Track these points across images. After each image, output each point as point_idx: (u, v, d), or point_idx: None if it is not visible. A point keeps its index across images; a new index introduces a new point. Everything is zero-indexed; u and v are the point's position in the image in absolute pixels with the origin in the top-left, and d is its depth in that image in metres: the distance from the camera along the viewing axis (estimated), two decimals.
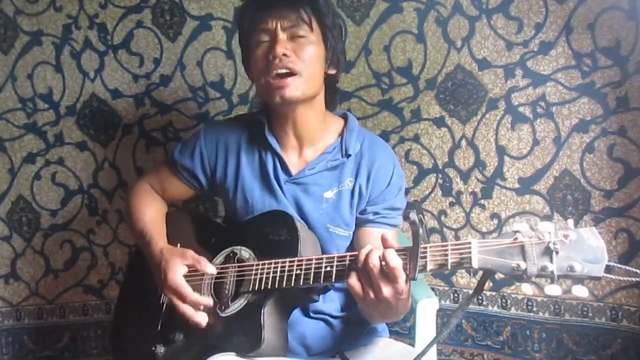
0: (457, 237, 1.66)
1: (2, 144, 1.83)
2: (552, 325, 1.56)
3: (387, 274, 0.93)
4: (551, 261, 0.81)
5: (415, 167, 1.69)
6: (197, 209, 1.74)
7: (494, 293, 1.63)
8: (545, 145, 1.56)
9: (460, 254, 0.89)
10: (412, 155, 1.69)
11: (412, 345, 1.34)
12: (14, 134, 1.83)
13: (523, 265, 0.83)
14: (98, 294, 1.86)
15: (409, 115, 1.69)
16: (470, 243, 0.88)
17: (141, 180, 1.40)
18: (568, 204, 1.53)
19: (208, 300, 1.11)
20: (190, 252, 1.14)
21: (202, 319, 1.09)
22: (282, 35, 1.15)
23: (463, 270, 1.66)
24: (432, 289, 1.59)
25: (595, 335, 1.51)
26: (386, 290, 0.93)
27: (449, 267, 0.90)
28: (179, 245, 1.23)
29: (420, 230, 0.91)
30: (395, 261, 0.92)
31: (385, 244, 0.97)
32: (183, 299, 1.10)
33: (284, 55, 1.13)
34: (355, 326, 1.25)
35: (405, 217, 0.89)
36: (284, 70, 1.14)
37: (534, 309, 1.58)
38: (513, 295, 1.61)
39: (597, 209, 1.50)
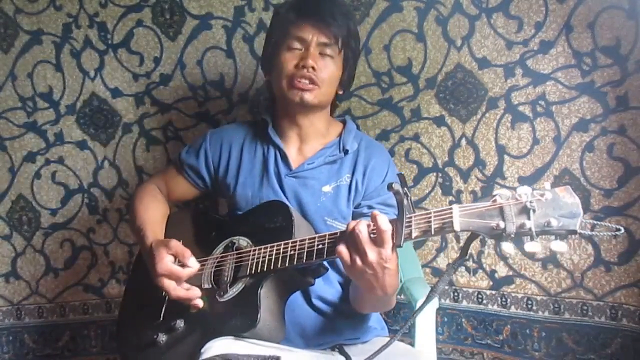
0: (456, 237, 1.66)
1: (2, 143, 1.83)
2: (552, 324, 1.56)
3: (374, 239, 0.95)
4: (529, 218, 0.84)
5: (415, 166, 1.69)
6: (197, 207, 1.74)
7: (493, 292, 1.63)
8: (545, 144, 1.56)
9: (443, 219, 0.92)
10: (412, 155, 1.69)
11: (412, 344, 1.35)
12: (14, 133, 1.83)
13: (502, 224, 0.85)
14: (98, 292, 1.86)
15: (408, 115, 1.69)
16: (452, 208, 0.91)
17: (148, 181, 1.48)
18: None
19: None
20: (174, 242, 1.17)
21: (200, 301, 1.14)
22: (314, 50, 1.26)
23: (463, 269, 1.66)
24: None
25: (595, 334, 1.51)
26: (372, 255, 0.95)
27: (432, 232, 0.92)
28: (180, 242, 1.25)
29: (405, 201, 0.95)
30: (385, 225, 0.94)
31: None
32: (178, 281, 1.13)
33: (312, 68, 1.25)
34: (353, 319, 1.28)
35: (389, 187, 0.93)
36: (307, 81, 1.26)
37: (534, 307, 1.58)
38: (513, 294, 1.61)
39: (596, 208, 1.50)
